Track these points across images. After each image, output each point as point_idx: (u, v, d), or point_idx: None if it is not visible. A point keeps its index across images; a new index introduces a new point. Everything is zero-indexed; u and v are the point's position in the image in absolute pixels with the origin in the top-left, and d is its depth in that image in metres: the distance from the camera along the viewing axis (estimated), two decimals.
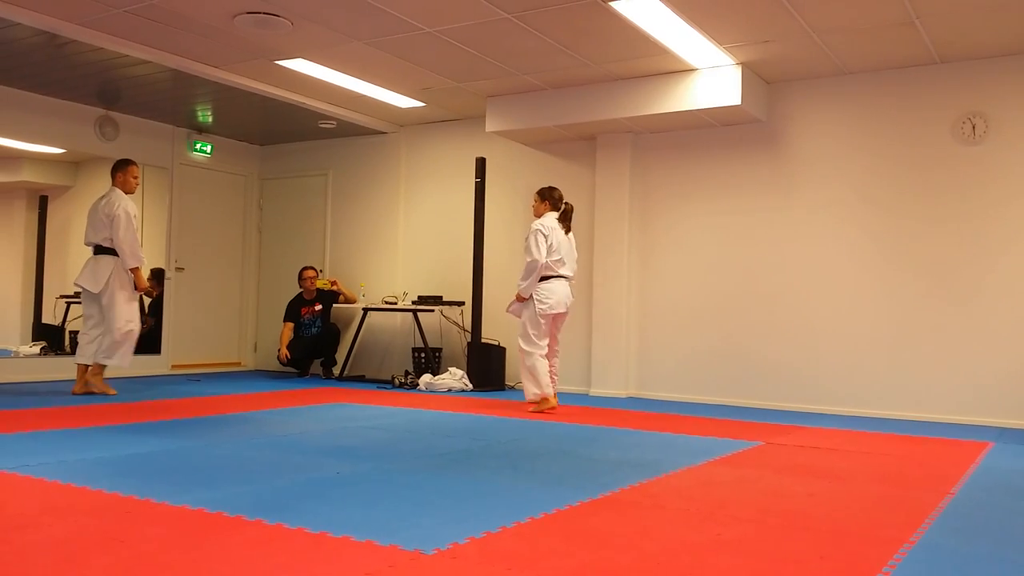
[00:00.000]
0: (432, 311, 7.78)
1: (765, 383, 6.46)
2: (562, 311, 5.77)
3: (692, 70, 6.22)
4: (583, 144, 7.34)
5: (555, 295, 5.71)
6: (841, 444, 4.59)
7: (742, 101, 6.07)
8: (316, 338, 8.15)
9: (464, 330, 7.70)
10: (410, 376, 7.50)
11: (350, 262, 8.68)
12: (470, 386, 7.18)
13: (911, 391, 5.94)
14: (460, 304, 7.71)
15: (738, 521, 2.74)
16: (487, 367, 7.27)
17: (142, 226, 8.47)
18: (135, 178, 6.28)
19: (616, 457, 3.99)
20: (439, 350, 7.83)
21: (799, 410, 6.23)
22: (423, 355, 7.65)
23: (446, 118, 8.02)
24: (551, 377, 5.79)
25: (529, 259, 5.71)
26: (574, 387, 7.27)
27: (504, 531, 2.51)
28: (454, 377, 7.19)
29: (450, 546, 2.32)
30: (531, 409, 5.74)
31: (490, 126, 7.16)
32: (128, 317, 6.11)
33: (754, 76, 6.31)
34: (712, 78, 6.16)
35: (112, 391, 6.19)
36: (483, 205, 7.40)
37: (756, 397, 6.49)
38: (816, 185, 6.39)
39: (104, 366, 6.18)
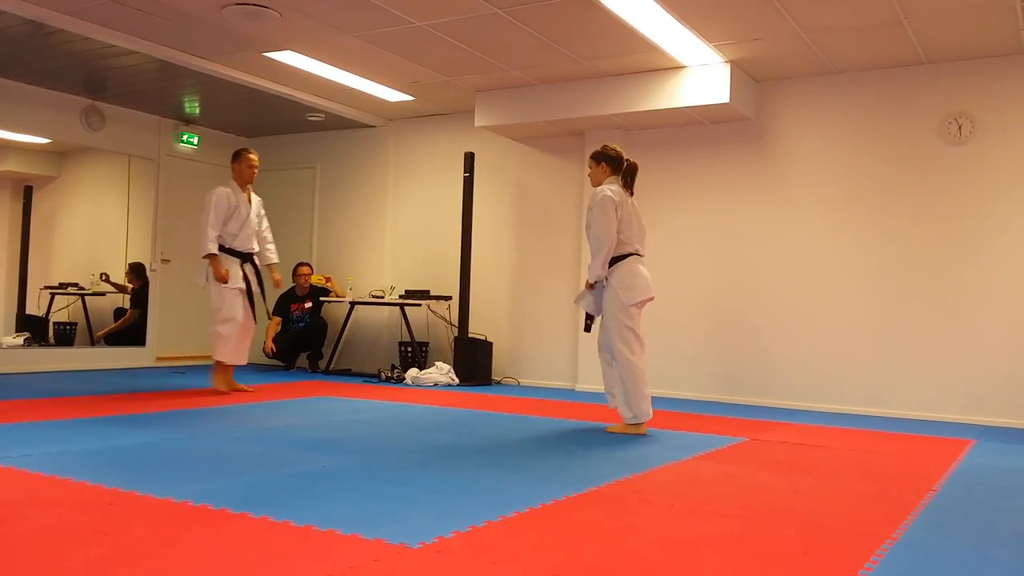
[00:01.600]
0: (419, 305, 7.78)
1: (750, 380, 6.49)
2: (650, 296, 4.67)
3: (681, 67, 6.23)
4: (572, 140, 7.34)
5: (639, 276, 4.63)
6: (825, 441, 4.62)
7: (731, 99, 6.08)
8: (302, 331, 8.12)
9: (451, 324, 7.70)
10: (396, 370, 7.49)
11: (338, 256, 8.66)
12: (456, 380, 7.18)
13: (895, 389, 5.98)
14: (447, 299, 7.70)
15: (723, 517, 2.75)
16: (473, 362, 7.27)
17: (127, 218, 8.43)
18: (251, 167, 5.92)
19: (601, 452, 4.00)
20: (426, 344, 7.82)
21: (784, 407, 6.26)
22: (410, 349, 7.65)
23: (435, 112, 8.01)
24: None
25: (595, 236, 4.58)
26: (560, 382, 7.28)
27: (489, 525, 2.51)
28: (440, 371, 7.19)
29: (435, 540, 2.32)
30: (613, 428, 4.71)
31: (479, 121, 7.15)
32: (215, 313, 5.79)
33: (743, 74, 6.32)
34: (701, 75, 6.17)
35: (225, 390, 5.92)
36: (471, 200, 7.40)
37: (741, 393, 6.52)
38: (803, 183, 6.41)
39: (228, 365, 5.92)
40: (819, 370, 6.24)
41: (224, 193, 5.83)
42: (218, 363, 5.93)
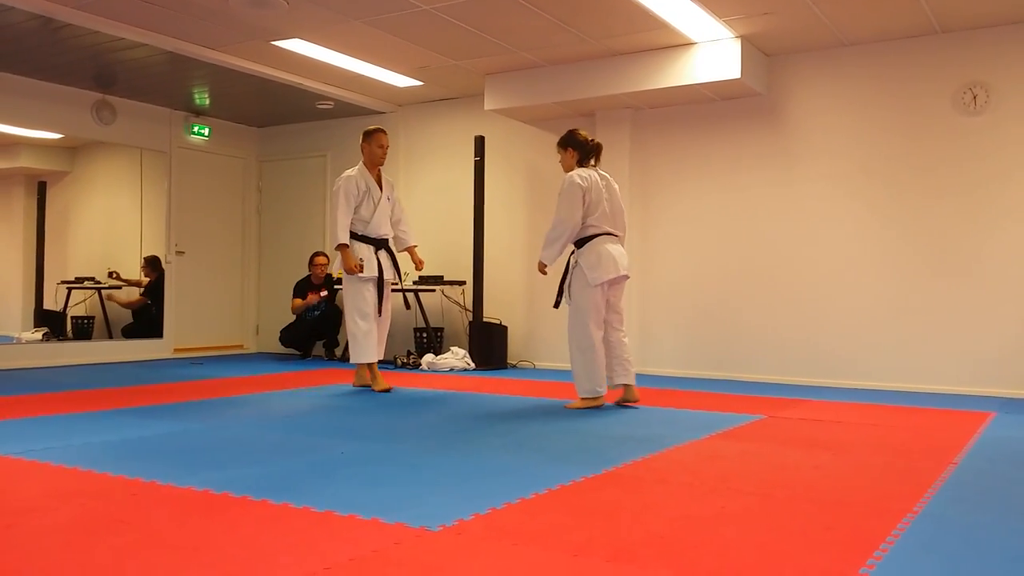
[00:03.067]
0: (433, 291, 7.78)
1: (767, 357, 6.47)
2: (617, 275, 4.69)
3: (691, 44, 6.18)
4: (582, 121, 7.30)
5: (605, 256, 4.69)
6: (844, 416, 4.60)
7: (742, 74, 6.03)
8: (318, 320, 8.15)
9: (465, 309, 7.70)
10: (412, 356, 7.51)
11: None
12: (472, 365, 7.20)
13: (913, 363, 5.95)
14: (461, 284, 7.70)
15: (742, 494, 2.75)
16: (489, 346, 7.28)
17: (141, 211, 8.47)
18: (381, 147, 5.55)
19: (619, 433, 4.00)
20: (441, 330, 7.83)
21: (801, 383, 6.24)
22: (425, 335, 7.66)
23: (444, 97, 7.98)
24: (624, 363, 4.81)
25: (556, 220, 4.70)
26: None
27: (509, 507, 2.52)
28: (456, 356, 7.20)
29: (456, 523, 2.33)
30: (571, 405, 4.80)
31: (489, 104, 7.12)
32: (350, 310, 5.49)
33: (754, 49, 6.26)
34: (711, 52, 6.12)
35: (375, 385, 5.60)
36: (483, 183, 7.38)
37: (758, 371, 6.50)
38: (816, 158, 6.36)
39: (362, 363, 5.61)
40: (837, 346, 6.21)
41: (352, 177, 5.47)
42: (361, 363, 5.59)
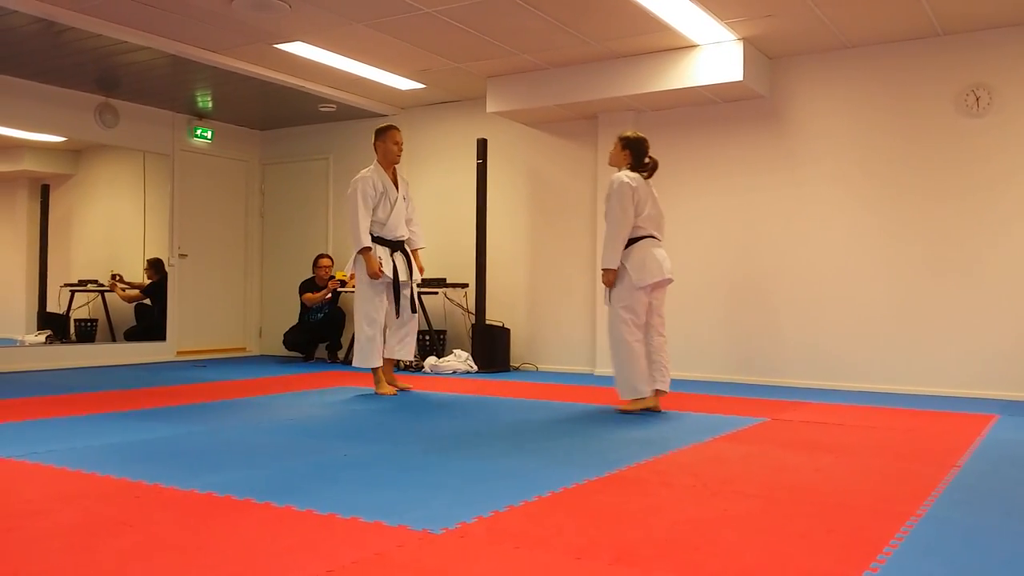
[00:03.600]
0: (436, 293, 7.79)
1: (770, 359, 6.46)
2: (662, 278, 4.65)
3: (693, 46, 6.18)
4: (585, 123, 7.31)
5: (651, 258, 4.64)
6: (846, 419, 4.60)
7: (744, 77, 6.03)
8: (321, 323, 8.15)
9: (468, 312, 7.70)
10: (415, 359, 7.51)
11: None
12: (475, 368, 7.19)
13: (916, 365, 5.94)
14: (464, 286, 7.70)
15: (745, 497, 2.74)
16: (492, 348, 7.28)
17: (144, 214, 8.48)
18: (396, 144, 5.46)
19: (622, 435, 3.99)
20: (443, 332, 7.84)
21: (804, 386, 6.23)
22: (428, 337, 7.66)
23: (446, 99, 7.99)
24: (661, 368, 4.73)
25: (611, 222, 4.61)
26: (579, 367, 7.28)
27: (512, 510, 2.52)
28: (459, 359, 7.20)
29: (458, 526, 2.33)
30: (621, 408, 4.76)
31: (491, 107, 7.13)
32: (359, 315, 5.42)
33: (756, 51, 6.27)
34: (714, 54, 6.12)
35: (391, 391, 5.52)
36: (485, 186, 7.39)
37: (760, 374, 6.49)
38: (819, 160, 6.36)
39: (388, 364, 5.61)
40: (839, 348, 6.20)
41: (368, 178, 5.38)
42: (373, 369, 5.52)
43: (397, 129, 5.58)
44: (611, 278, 4.68)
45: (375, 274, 5.30)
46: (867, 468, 3.26)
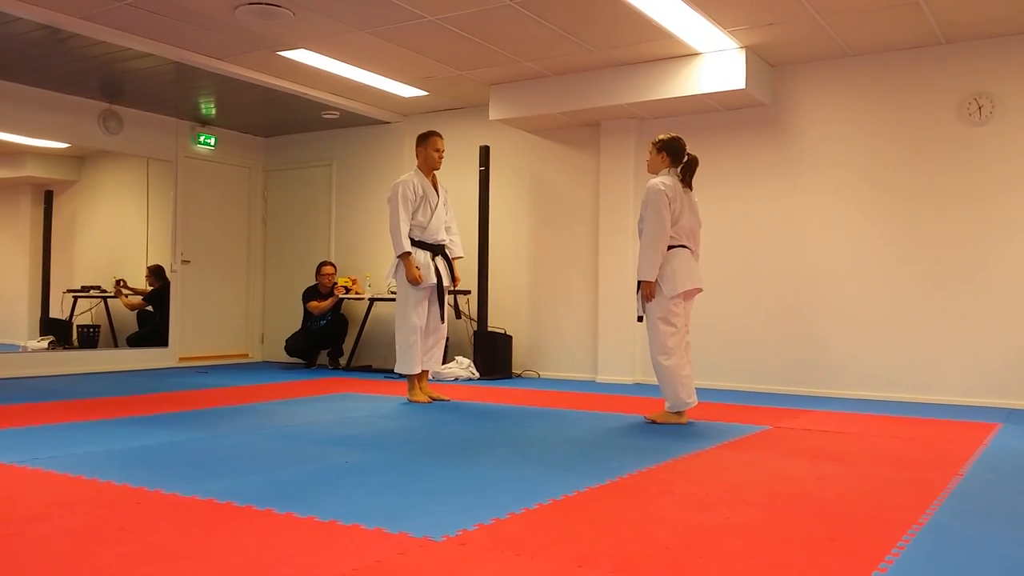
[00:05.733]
0: None
1: (772, 367, 6.45)
2: (694, 286, 4.59)
3: (696, 54, 6.19)
4: (587, 131, 7.32)
5: (683, 267, 4.54)
6: (849, 427, 4.59)
7: (746, 85, 6.03)
8: (324, 329, 8.16)
9: (470, 319, 7.70)
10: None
11: (355, 252, 8.68)
12: (477, 374, 7.19)
13: (918, 374, 5.93)
14: (466, 293, 7.71)
15: (747, 505, 2.74)
16: (493, 355, 7.28)
17: (147, 220, 8.49)
18: (437, 151, 5.45)
19: (623, 443, 3.99)
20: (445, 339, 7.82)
21: (806, 394, 6.22)
22: None
23: (449, 107, 8.01)
24: (690, 380, 4.62)
25: (647, 231, 4.49)
26: (581, 374, 7.27)
27: (513, 517, 2.52)
28: (461, 366, 7.19)
29: (459, 533, 2.33)
30: (651, 417, 4.68)
31: (493, 114, 7.14)
32: (401, 320, 5.40)
33: (758, 59, 6.27)
34: (716, 62, 6.12)
35: (425, 399, 5.49)
36: (487, 193, 7.40)
37: (763, 381, 6.48)
38: (821, 168, 6.36)
39: (423, 373, 5.57)
40: (842, 356, 6.20)
41: (408, 182, 5.37)
42: (409, 375, 5.49)
43: (439, 136, 5.56)
44: (651, 290, 4.54)
45: (415, 279, 5.27)
46: (869, 476, 3.25)
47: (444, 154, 5.59)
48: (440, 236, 5.49)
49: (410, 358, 5.40)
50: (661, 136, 4.72)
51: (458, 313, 5.44)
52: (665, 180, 4.56)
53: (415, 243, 5.38)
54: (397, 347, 5.45)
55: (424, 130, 5.69)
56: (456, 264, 5.68)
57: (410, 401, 5.48)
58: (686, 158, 4.66)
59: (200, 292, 8.62)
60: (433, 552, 2.16)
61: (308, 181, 9.03)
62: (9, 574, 1.97)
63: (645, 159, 4.84)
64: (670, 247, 4.54)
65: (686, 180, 4.65)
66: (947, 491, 2.99)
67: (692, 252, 4.65)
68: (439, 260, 5.47)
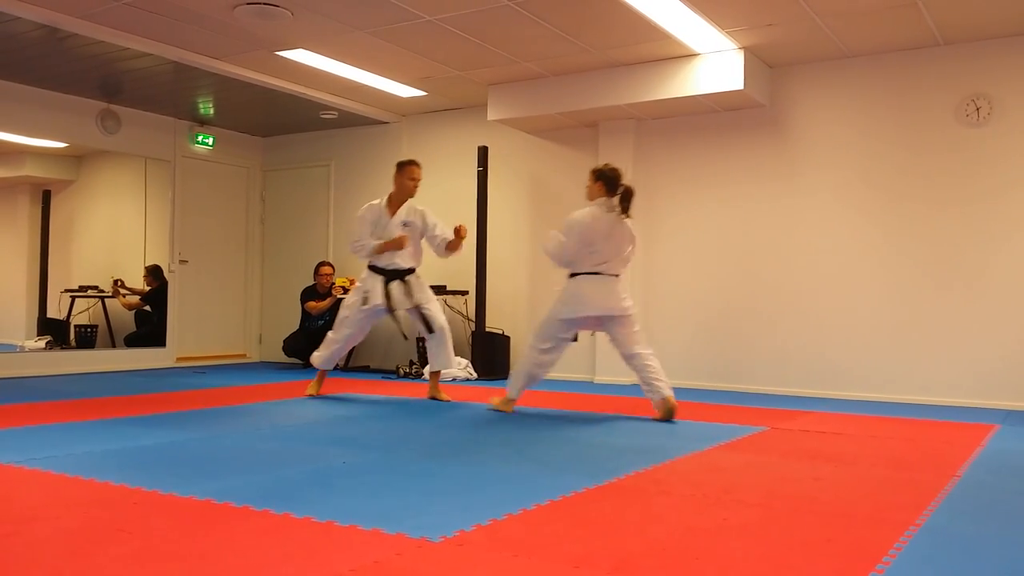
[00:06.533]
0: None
1: (769, 368, 6.46)
2: (593, 314, 4.82)
3: (694, 55, 6.19)
4: (585, 131, 7.32)
5: (581, 296, 4.83)
6: (846, 428, 4.59)
7: (745, 86, 6.04)
8: (321, 330, 8.12)
9: (468, 319, 7.70)
10: (414, 366, 7.51)
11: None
12: (475, 375, 7.19)
13: (916, 375, 5.94)
14: (464, 293, 7.70)
15: (744, 506, 2.74)
16: (491, 356, 7.28)
17: (145, 220, 8.49)
18: (412, 180, 5.60)
19: (621, 443, 3.99)
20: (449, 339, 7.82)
21: (804, 395, 6.22)
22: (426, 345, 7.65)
23: (448, 107, 8.01)
24: (652, 383, 4.78)
25: (547, 251, 5.00)
26: (578, 375, 7.27)
27: (510, 518, 2.52)
28: (458, 366, 7.19)
29: (456, 534, 2.33)
30: (491, 403, 5.17)
31: (492, 114, 7.14)
32: (338, 319, 5.79)
33: (757, 60, 6.28)
34: (714, 63, 6.13)
35: (314, 392, 5.83)
36: (486, 193, 7.40)
37: (761, 382, 6.49)
38: (819, 169, 6.36)
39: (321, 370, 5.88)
40: (838, 357, 6.20)
41: (370, 206, 5.66)
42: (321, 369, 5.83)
43: (414, 164, 5.66)
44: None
45: (399, 244, 5.47)
46: (867, 477, 3.25)
47: (420, 182, 5.70)
48: (397, 261, 5.55)
49: (328, 356, 5.74)
50: (598, 166, 5.02)
51: (429, 327, 5.60)
52: (593, 211, 4.84)
53: (371, 267, 5.62)
54: (323, 341, 5.81)
55: (403, 159, 5.82)
56: (458, 231, 5.60)
57: (307, 395, 5.79)
58: (621, 189, 4.87)
59: (198, 292, 8.62)
60: (431, 553, 2.16)
61: (306, 181, 9.03)
62: (7, 574, 1.96)
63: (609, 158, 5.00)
64: (577, 274, 4.85)
65: (623, 208, 4.84)
66: (944, 492, 2.99)
67: (615, 277, 4.86)
68: (395, 285, 5.53)
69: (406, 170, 5.63)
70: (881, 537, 2.38)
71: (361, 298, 5.56)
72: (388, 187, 8.57)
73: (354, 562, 2.07)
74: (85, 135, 7.66)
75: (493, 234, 7.56)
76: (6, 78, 6.95)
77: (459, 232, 5.56)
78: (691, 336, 6.80)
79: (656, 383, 4.77)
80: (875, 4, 5.21)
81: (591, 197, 4.95)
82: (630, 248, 4.93)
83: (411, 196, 5.66)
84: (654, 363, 4.84)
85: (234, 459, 3.46)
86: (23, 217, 8.14)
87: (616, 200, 4.86)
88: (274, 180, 9.28)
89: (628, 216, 4.86)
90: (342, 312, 5.73)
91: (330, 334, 5.78)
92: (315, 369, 5.89)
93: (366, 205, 5.71)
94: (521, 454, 3.66)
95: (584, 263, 4.84)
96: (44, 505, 2.63)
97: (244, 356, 9.13)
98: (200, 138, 8.55)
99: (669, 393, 4.77)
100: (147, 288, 8.39)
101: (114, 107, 7.80)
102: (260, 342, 9.22)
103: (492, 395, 5.32)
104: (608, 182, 4.89)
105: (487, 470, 3.29)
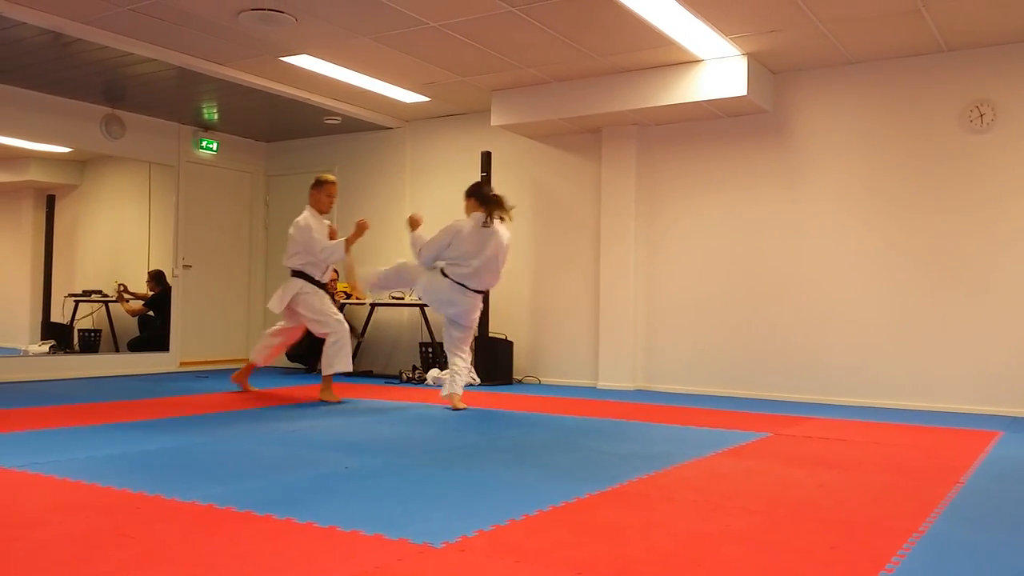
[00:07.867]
0: None
1: (773, 374, 6.45)
2: (448, 311, 5.51)
3: (697, 61, 6.19)
4: (589, 137, 7.33)
5: (435, 293, 5.48)
6: (849, 435, 4.58)
7: (748, 92, 6.04)
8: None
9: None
10: (417, 371, 7.51)
11: (356, 257, 8.67)
12: (477, 380, 7.18)
13: (919, 381, 5.92)
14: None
15: (747, 512, 2.73)
16: (494, 361, 7.27)
17: (149, 225, 8.51)
18: (329, 197, 6.00)
19: (624, 449, 3.98)
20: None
21: (807, 401, 6.21)
22: (430, 350, 7.65)
23: (451, 112, 8.01)
24: (460, 379, 5.51)
25: (420, 245, 5.48)
26: (582, 380, 7.27)
27: (513, 524, 2.51)
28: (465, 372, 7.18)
29: (459, 539, 2.32)
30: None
31: (495, 120, 7.15)
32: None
33: (760, 66, 6.28)
34: (718, 69, 6.13)
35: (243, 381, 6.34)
36: None
37: (764, 389, 6.47)
38: (823, 175, 6.36)
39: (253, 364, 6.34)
40: (842, 363, 6.19)
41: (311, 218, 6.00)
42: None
43: (331, 182, 6.05)
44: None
45: (363, 227, 6.03)
46: (870, 484, 3.25)
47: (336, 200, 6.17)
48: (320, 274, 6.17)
49: (263, 350, 6.28)
50: (468, 187, 5.58)
51: (359, 332, 6.11)
52: (467, 220, 5.36)
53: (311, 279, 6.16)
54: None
55: (318, 177, 6.10)
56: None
57: (233, 380, 6.32)
58: (490, 197, 5.41)
59: (201, 297, 8.62)
60: (433, 558, 2.16)
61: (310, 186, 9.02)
62: None
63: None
64: (441, 270, 5.40)
65: (500, 214, 5.35)
66: (948, 499, 2.98)
67: (464, 288, 5.33)
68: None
69: (323, 188, 6.00)
70: (884, 544, 2.37)
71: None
72: (392, 192, 8.52)
73: (356, 568, 2.06)
74: (89, 140, 7.68)
75: None
76: (11, 83, 6.97)
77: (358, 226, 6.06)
78: (694, 342, 6.79)
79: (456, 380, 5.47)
80: (878, 10, 5.21)
81: (468, 211, 5.45)
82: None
83: (326, 212, 6.09)
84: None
85: (236, 464, 3.46)
86: (27, 222, 8.16)
87: (487, 209, 5.36)
88: (278, 185, 9.29)
89: (501, 221, 5.38)
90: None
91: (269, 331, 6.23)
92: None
93: (308, 216, 6.03)
94: (523, 460, 3.66)
95: (452, 266, 5.37)
96: (46, 510, 2.63)
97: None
98: (204, 143, 8.57)
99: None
100: (150, 293, 8.40)
101: (118, 112, 7.82)
102: None
103: (495, 400, 5.32)
104: (478, 196, 5.45)
105: (489, 476, 3.28)
